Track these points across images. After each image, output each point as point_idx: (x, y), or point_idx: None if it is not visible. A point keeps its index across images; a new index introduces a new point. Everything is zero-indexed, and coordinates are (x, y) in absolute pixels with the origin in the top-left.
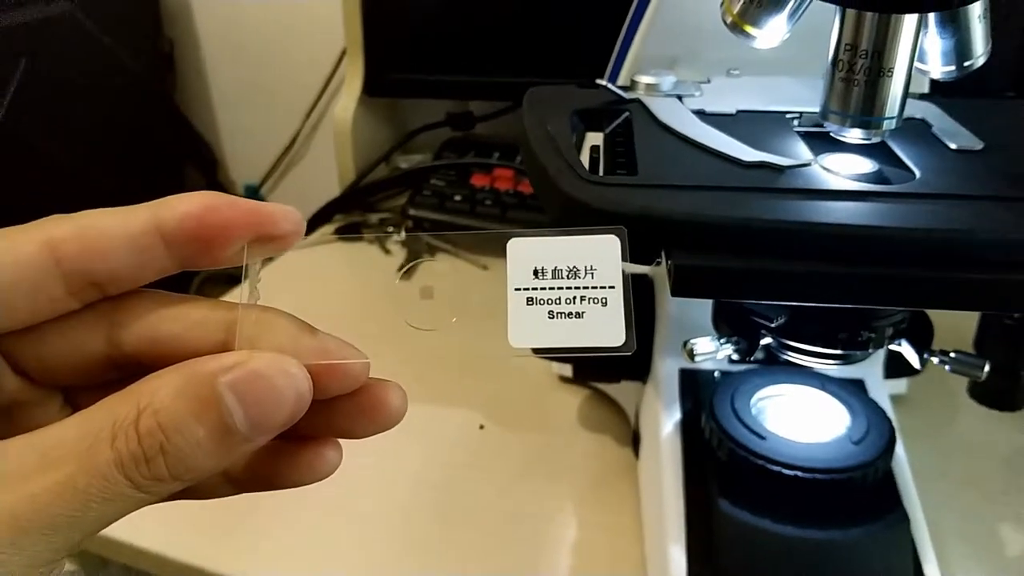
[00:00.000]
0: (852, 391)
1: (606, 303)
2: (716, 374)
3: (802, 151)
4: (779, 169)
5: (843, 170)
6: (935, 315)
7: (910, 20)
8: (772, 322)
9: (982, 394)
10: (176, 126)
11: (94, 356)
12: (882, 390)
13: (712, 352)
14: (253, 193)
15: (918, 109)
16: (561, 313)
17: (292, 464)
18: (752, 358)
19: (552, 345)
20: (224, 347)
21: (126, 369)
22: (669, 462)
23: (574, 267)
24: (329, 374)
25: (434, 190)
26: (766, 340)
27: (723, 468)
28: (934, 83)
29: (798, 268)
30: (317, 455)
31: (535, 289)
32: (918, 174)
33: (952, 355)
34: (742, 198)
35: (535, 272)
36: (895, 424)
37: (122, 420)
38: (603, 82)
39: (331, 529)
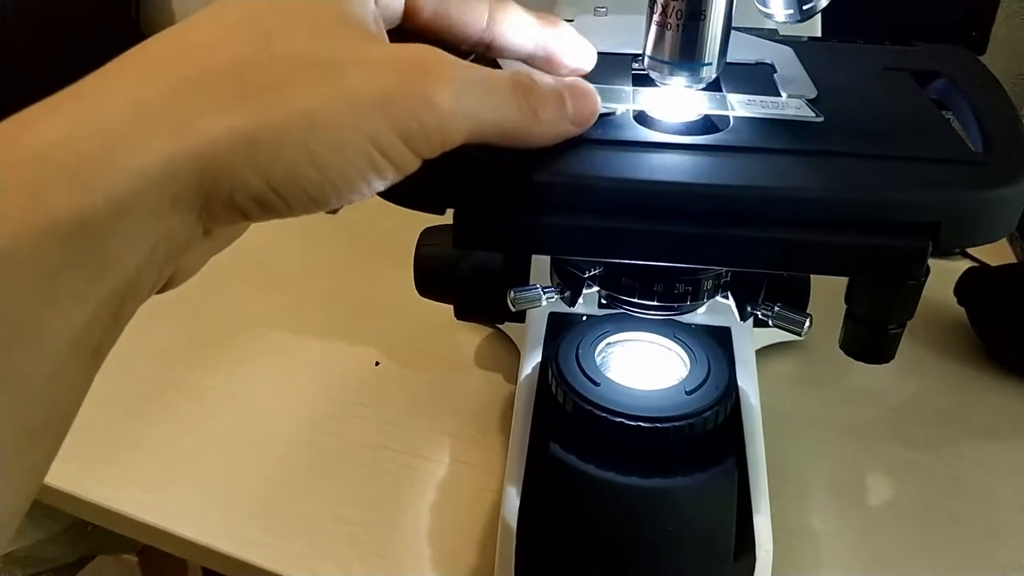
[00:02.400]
0: (702, 340)
1: None
2: (584, 319)
3: (623, 96)
4: None
5: (662, 117)
6: None
7: None
8: (585, 273)
9: (850, 346)
10: None
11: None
12: (747, 340)
13: (534, 300)
14: None
15: (772, 52)
16: None
17: None
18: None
19: None
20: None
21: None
22: (522, 403)
23: None
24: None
25: None
26: (593, 289)
27: (560, 412)
28: (833, 27)
29: (561, 222)
30: None
31: None
32: (731, 124)
33: (775, 309)
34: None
35: None
36: (752, 375)
37: (520, 73)
38: None
39: (205, 456)
